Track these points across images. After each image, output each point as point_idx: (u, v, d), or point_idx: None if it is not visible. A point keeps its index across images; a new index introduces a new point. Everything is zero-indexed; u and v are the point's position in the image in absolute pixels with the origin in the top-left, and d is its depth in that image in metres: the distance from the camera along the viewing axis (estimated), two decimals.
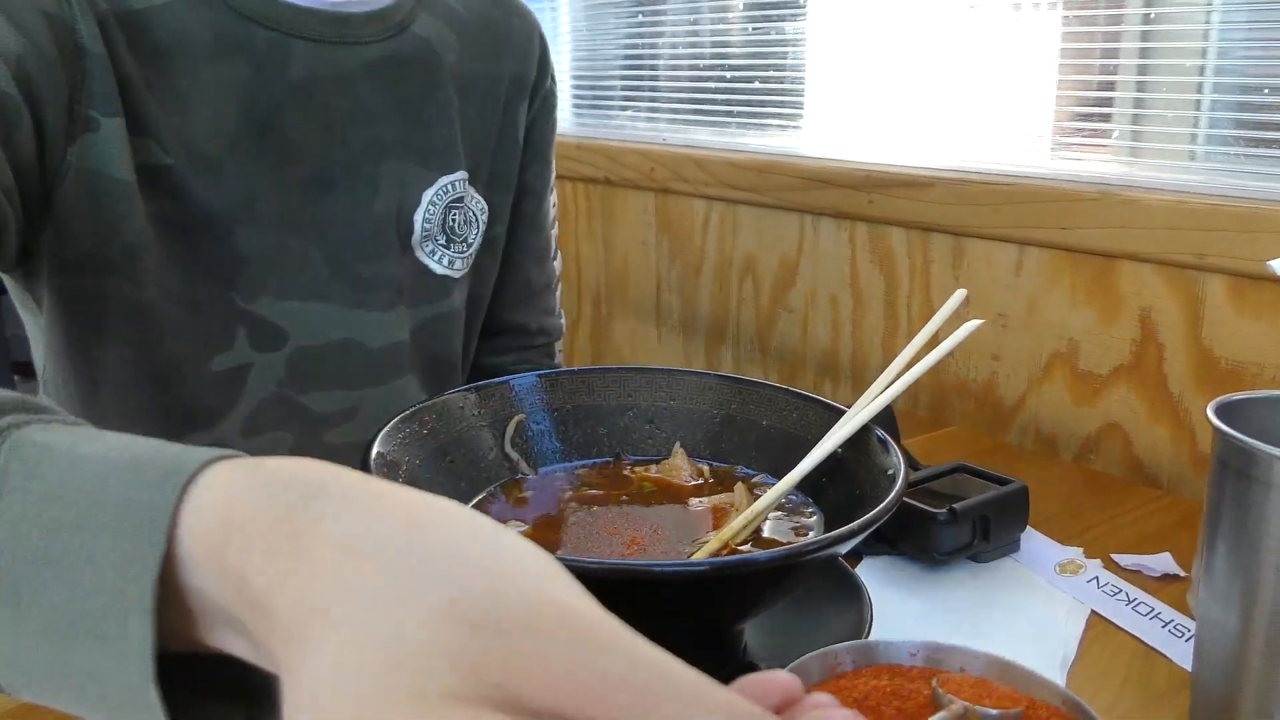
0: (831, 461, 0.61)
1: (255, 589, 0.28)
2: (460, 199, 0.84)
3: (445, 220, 0.83)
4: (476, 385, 0.67)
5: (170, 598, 0.30)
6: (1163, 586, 0.72)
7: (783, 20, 1.31)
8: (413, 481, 0.59)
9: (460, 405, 0.66)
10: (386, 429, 0.59)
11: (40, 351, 0.77)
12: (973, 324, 0.63)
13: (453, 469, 0.63)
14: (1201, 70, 0.94)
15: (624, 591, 0.47)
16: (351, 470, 0.30)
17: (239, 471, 0.31)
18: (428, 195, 0.81)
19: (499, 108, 0.87)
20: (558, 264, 1.00)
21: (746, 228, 1.33)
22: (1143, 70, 0.98)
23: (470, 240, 0.86)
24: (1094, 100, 1.04)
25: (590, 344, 1.65)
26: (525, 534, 0.61)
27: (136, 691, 0.30)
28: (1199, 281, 0.91)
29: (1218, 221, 0.88)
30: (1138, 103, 0.99)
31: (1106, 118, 1.02)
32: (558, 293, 1.01)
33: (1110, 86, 1.01)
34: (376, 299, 0.80)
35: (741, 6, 1.37)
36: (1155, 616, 0.68)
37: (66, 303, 0.72)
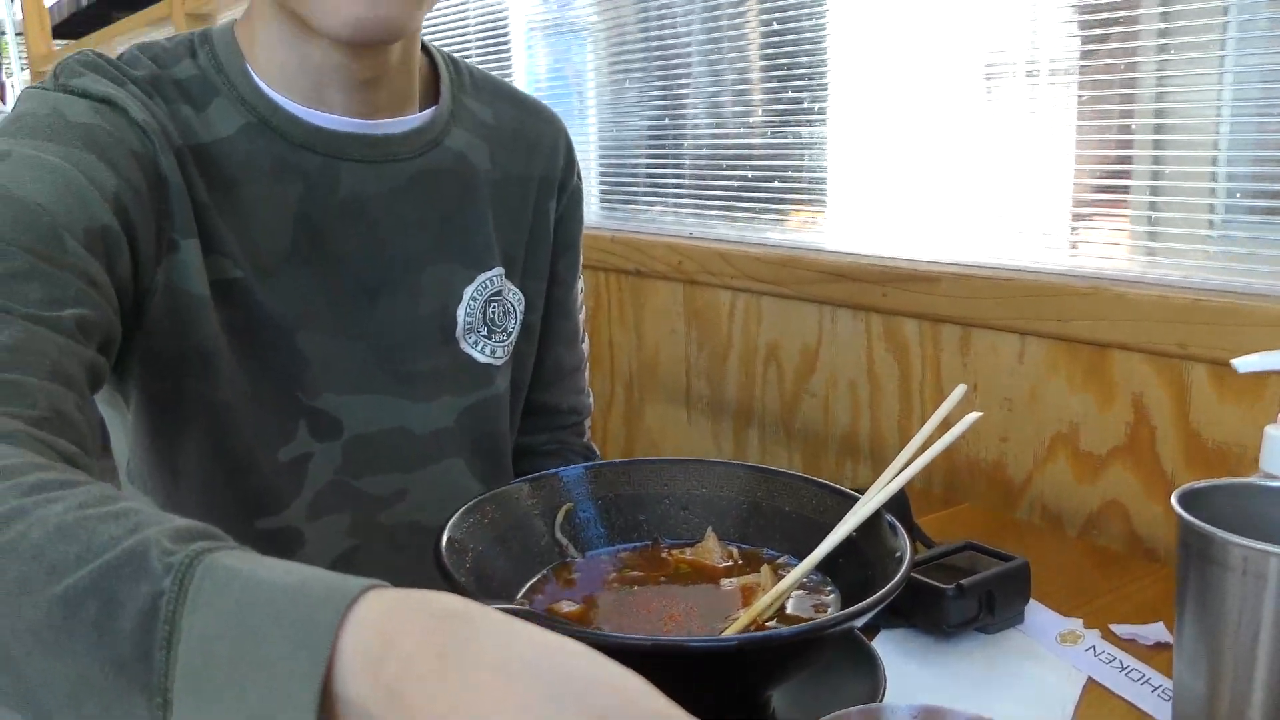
0: (847, 544, 0.66)
1: (412, 701, 0.34)
2: (499, 292, 0.90)
3: (486, 313, 0.89)
4: (530, 478, 0.74)
5: (325, 705, 0.35)
6: (1155, 654, 0.77)
7: (799, 125, 1.41)
8: (479, 564, 0.65)
9: (515, 496, 0.72)
10: (455, 518, 0.66)
11: (125, 447, 0.83)
12: (971, 417, 0.68)
13: (510, 553, 0.69)
14: (1214, 177, 1.00)
15: (665, 664, 0.53)
16: (481, 604, 0.37)
17: (394, 598, 0.37)
18: (468, 291, 0.88)
19: (530, 206, 0.94)
20: (585, 346, 1.05)
21: (770, 317, 1.40)
22: (1155, 175, 1.05)
23: (510, 330, 0.92)
24: (1100, 202, 1.10)
25: (624, 427, 1.71)
26: (574, 613, 0.67)
27: None
28: (1184, 369, 0.97)
29: (1198, 315, 0.95)
30: (1151, 205, 1.05)
31: (1121, 209, 1.08)
32: (586, 373, 1.06)
33: (1124, 190, 1.08)
34: (422, 390, 0.86)
35: (761, 112, 1.47)
36: (1145, 682, 0.73)
37: (150, 403, 0.78)
